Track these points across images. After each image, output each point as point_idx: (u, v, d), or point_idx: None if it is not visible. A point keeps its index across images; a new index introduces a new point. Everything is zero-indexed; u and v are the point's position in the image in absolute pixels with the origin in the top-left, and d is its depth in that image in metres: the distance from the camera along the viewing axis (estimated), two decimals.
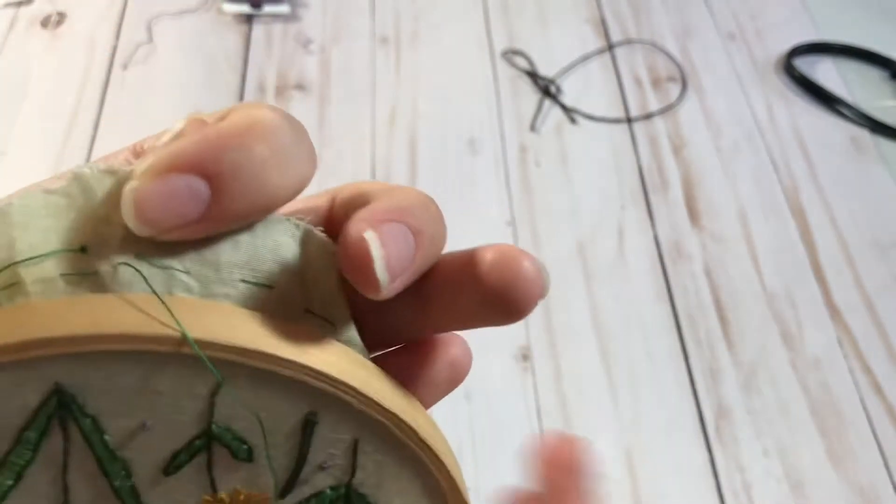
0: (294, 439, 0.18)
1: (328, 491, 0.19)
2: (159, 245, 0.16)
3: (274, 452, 0.18)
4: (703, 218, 0.66)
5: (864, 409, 0.56)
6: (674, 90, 0.75)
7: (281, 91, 0.72)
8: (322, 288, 0.18)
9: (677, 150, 0.71)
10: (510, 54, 0.77)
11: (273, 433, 0.18)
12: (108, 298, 0.16)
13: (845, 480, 0.53)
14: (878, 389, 0.57)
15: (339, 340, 0.18)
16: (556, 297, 0.60)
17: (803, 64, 0.78)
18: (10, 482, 0.18)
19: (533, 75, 0.75)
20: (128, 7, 0.78)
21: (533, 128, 0.71)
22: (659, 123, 0.73)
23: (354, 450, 0.18)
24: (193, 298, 0.17)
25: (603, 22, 0.81)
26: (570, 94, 0.74)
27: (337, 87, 0.73)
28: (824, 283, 0.63)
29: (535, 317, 0.59)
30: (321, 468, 0.18)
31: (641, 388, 0.56)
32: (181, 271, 0.17)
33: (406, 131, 0.70)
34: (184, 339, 0.16)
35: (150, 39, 0.75)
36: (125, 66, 0.73)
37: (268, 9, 0.77)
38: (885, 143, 0.73)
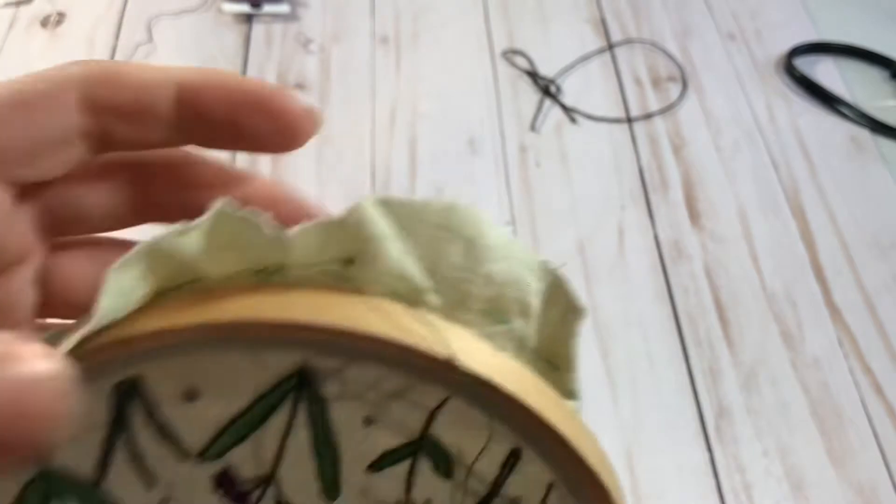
0: (494, 468, 0.19)
1: None
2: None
3: (472, 477, 0.19)
4: (703, 218, 0.66)
5: (865, 408, 0.56)
6: (674, 90, 0.75)
7: None
8: (554, 334, 0.18)
9: (677, 149, 0.71)
10: (510, 54, 0.77)
11: (473, 467, 0.19)
12: (380, 303, 0.17)
13: (845, 480, 0.53)
14: (879, 389, 0.57)
15: (559, 387, 0.18)
16: None
17: (803, 64, 0.78)
18: (234, 440, 0.20)
19: (533, 75, 0.75)
20: (127, 7, 0.78)
21: (533, 128, 0.71)
22: (659, 123, 0.73)
23: (547, 491, 0.19)
24: (444, 322, 0.17)
25: (603, 22, 0.81)
26: (570, 93, 0.74)
27: (337, 87, 0.73)
28: (824, 283, 0.63)
29: None
30: (511, 502, 0.19)
31: (641, 388, 0.56)
32: (432, 290, 0.18)
33: (406, 131, 0.70)
34: (450, 363, 0.17)
35: (150, 39, 0.75)
36: None
37: (267, 8, 0.77)
38: (885, 143, 0.73)
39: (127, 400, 0.19)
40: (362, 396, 0.18)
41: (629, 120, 0.73)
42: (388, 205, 0.18)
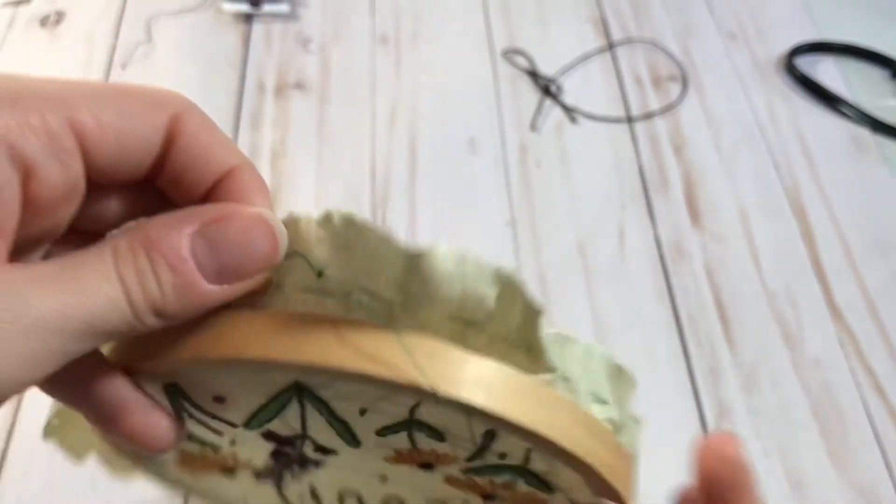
0: (477, 438, 0.23)
1: (507, 464, 0.24)
2: (384, 285, 0.22)
3: (460, 444, 0.24)
4: (703, 218, 0.66)
5: (866, 408, 0.56)
6: (674, 90, 0.75)
7: (280, 90, 0.72)
8: (522, 327, 0.22)
9: (678, 149, 0.71)
10: (510, 54, 0.77)
11: (460, 437, 0.24)
12: (364, 338, 0.21)
13: (846, 480, 0.53)
14: (880, 389, 0.57)
15: (537, 366, 0.22)
16: (557, 297, 0.60)
17: (804, 63, 0.78)
18: (263, 421, 0.26)
19: (533, 75, 0.75)
20: (127, 6, 0.78)
21: (533, 127, 0.71)
22: (659, 123, 0.72)
23: (528, 454, 0.24)
24: (415, 337, 0.21)
25: (603, 21, 0.81)
26: (571, 93, 0.74)
27: (337, 87, 0.73)
28: (825, 283, 0.63)
29: None
30: (500, 456, 0.24)
31: (641, 388, 0.56)
32: (398, 304, 0.22)
33: (406, 131, 0.70)
34: (434, 393, 0.21)
35: (150, 39, 0.75)
36: (124, 66, 0.73)
37: (267, 8, 0.77)
38: (886, 143, 0.72)
39: (174, 395, 0.25)
40: (352, 398, 0.22)
41: (629, 120, 0.72)
42: (359, 231, 0.22)
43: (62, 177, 0.21)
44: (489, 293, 0.22)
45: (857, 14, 0.83)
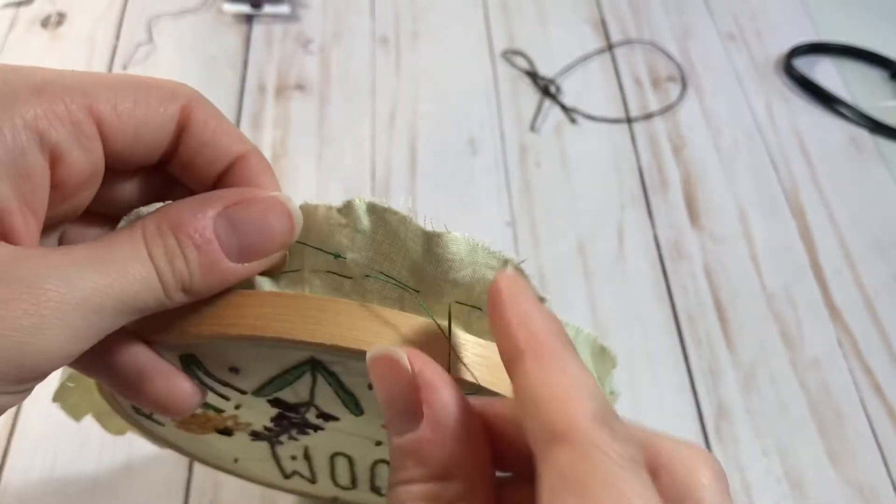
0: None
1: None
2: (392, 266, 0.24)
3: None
4: (702, 218, 0.66)
5: (864, 408, 0.56)
6: (674, 90, 0.75)
7: (281, 91, 0.72)
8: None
9: (677, 149, 0.71)
10: (510, 54, 0.77)
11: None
12: (375, 312, 0.24)
13: (845, 480, 0.53)
14: (878, 389, 0.57)
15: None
16: (556, 297, 0.60)
17: (803, 64, 0.78)
18: (274, 390, 0.28)
19: (533, 75, 0.75)
20: (127, 7, 0.78)
21: (533, 128, 0.71)
22: (659, 123, 0.73)
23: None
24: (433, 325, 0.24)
25: (603, 22, 0.81)
26: (570, 94, 0.74)
27: (337, 87, 0.73)
28: (824, 283, 0.63)
29: None
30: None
31: (641, 388, 0.56)
32: (412, 285, 0.24)
33: (406, 131, 0.70)
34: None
35: (150, 39, 0.75)
36: (125, 67, 0.73)
37: (268, 9, 0.77)
38: (884, 144, 0.73)
39: (189, 363, 0.26)
40: (363, 374, 0.23)
41: (629, 120, 0.73)
42: (381, 214, 0.24)
43: (86, 161, 0.22)
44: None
45: (856, 15, 0.84)
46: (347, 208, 0.24)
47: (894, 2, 0.86)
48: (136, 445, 0.51)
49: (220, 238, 0.22)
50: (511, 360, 0.20)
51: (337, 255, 0.24)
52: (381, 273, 0.24)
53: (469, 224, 0.64)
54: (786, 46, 0.79)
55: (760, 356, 0.58)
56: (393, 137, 0.69)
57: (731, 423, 0.55)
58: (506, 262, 0.24)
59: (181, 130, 0.24)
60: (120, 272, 0.21)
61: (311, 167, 0.67)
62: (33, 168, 0.21)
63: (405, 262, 0.24)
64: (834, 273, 0.63)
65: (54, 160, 0.21)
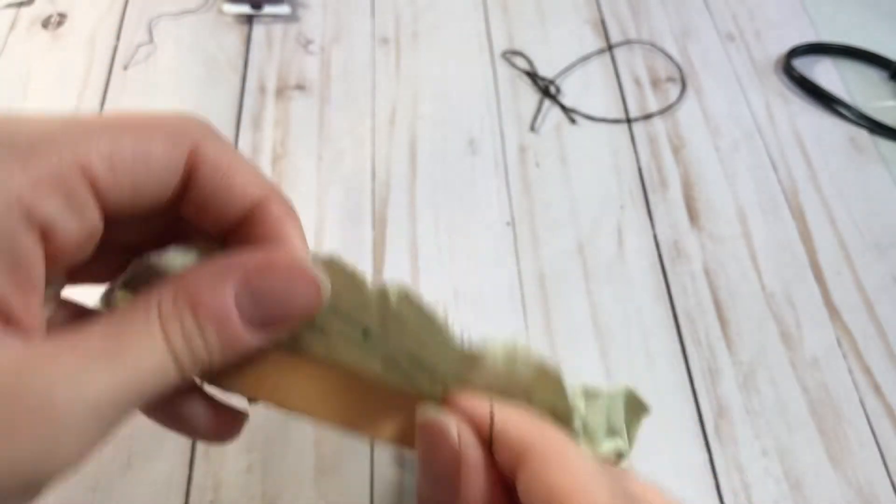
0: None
1: None
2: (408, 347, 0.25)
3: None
4: (702, 218, 0.66)
5: (864, 408, 0.56)
6: (673, 90, 0.75)
7: (281, 91, 0.72)
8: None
9: (677, 150, 0.71)
10: (510, 54, 0.77)
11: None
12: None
13: (844, 480, 0.53)
14: (878, 389, 0.57)
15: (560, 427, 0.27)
16: (556, 297, 0.60)
17: (802, 64, 0.78)
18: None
19: (533, 75, 0.75)
20: (128, 8, 0.78)
21: (533, 128, 0.71)
22: (658, 123, 0.73)
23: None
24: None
25: (602, 23, 0.81)
26: (570, 94, 0.74)
27: (337, 87, 0.73)
28: (823, 283, 0.63)
29: (534, 316, 0.59)
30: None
31: (640, 388, 0.56)
32: (450, 377, 0.25)
33: (406, 131, 0.70)
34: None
35: (151, 40, 0.76)
36: (126, 67, 0.73)
37: (268, 9, 0.78)
38: (884, 144, 0.73)
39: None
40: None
41: (628, 120, 0.73)
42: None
43: (80, 227, 0.21)
44: (531, 383, 0.26)
45: (856, 15, 0.84)
46: (381, 295, 0.23)
47: (894, 2, 0.86)
48: (136, 445, 0.51)
49: (241, 310, 0.21)
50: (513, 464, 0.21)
51: (365, 331, 0.23)
52: (413, 359, 0.24)
53: (469, 224, 0.64)
54: (785, 46, 0.79)
55: (759, 356, 0.58)
56: (393, 137, 0.70)
57: (730, 422, 0.55)
58: (539, 366, 0.26)
59: (189, 175, 0.22)
60: (135, 365, 0.20)
61: (312, 167, 0.67)
62: (24, 250, 0.20)
63: (444, 360, 0.24)
64: (833, 273, 0.64)
65: (46, 234, 0.20)
